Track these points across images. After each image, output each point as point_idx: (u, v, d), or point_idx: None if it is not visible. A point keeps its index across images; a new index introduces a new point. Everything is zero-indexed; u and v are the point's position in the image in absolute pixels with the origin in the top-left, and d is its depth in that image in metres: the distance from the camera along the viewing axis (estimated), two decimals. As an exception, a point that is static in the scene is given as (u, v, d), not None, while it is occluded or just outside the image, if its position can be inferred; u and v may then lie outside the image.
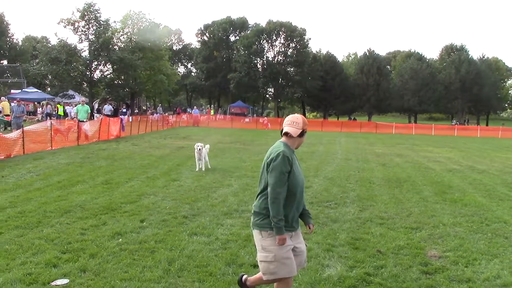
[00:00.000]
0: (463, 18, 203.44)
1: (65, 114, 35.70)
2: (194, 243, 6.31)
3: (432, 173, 14.49)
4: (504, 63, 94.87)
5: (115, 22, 57.83)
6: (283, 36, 74.58)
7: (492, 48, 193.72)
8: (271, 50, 76.38)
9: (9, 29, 69.11)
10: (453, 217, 8.40)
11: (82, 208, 8.09)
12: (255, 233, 4.01)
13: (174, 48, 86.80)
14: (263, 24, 78.23)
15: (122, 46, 56.41)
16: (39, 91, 48.48)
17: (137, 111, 65.44)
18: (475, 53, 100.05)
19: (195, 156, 13.32)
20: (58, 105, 39.43)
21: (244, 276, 4.60)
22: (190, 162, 14.71)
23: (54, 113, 36.26)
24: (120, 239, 6.34)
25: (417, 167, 16.09)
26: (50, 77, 55.43)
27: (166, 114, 54.57)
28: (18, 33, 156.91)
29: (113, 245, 6.08)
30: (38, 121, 31.48)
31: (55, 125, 19.02)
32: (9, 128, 22.71)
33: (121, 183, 10.71)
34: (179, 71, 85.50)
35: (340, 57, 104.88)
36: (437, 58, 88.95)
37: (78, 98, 46.98)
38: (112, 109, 34.13)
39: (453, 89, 72.15)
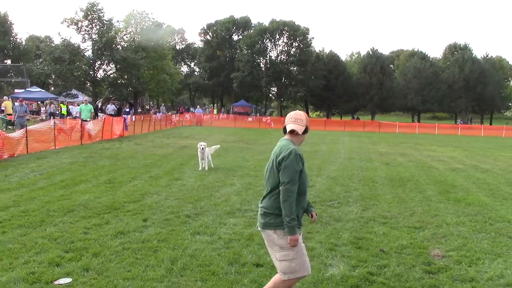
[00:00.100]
0: (466, 17, 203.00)
1: (68, 114, 35.77)
2: (197, 242, 6.31)
3: (436, 172, 14.46)
4: (508, 62, 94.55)
5: (118, 21, 58.03)
6: (286, 35, 74.51)
7: (496, 47, 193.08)
8: (274, 49, 76.37)
9: (13, 29, 69.36)
10: (457, 216, 8.38)
11: (85, 207, 8.10)
12: (269, 233, 3.89)
13: (177, 47, 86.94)
14: (266, 23, 78.23)
15: (125, 45, 56.49)
16: (43, 90, 48.55)
17: (140, 110, 65.57)
18: (478, 52, 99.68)
19: (198, 155, 13.32)
20: (61, 105, 39.50)
21: None
22: (193, 161, 14.72)
23: (57, 112, 36.32)
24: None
25: (420, 166, 16.06)
26: (53, 76, 55.58)
27: (169, 113, 54.60)
28: (21, 32, 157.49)
29: (116, 244, 6.08)
30: (42, 120, 31.55)
31: (59, 125, 19.05)
32: (11, 127, 22.77)
33: (124, 182, 10.73)
34: (182, 71, 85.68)
35: (343, 56, 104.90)
36: (440, 57, 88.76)
37: (82, 97, 47.06)
38: (115, 108, 34.15)
39: (457, 88, 71.96)
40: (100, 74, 56.99)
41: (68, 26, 53.47)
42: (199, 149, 13.19)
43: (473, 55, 76.94)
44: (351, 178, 12.62)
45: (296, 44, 74.41)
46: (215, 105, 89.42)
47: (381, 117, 76.83)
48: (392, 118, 76.24)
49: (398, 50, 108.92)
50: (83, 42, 54.18)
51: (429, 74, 73.03)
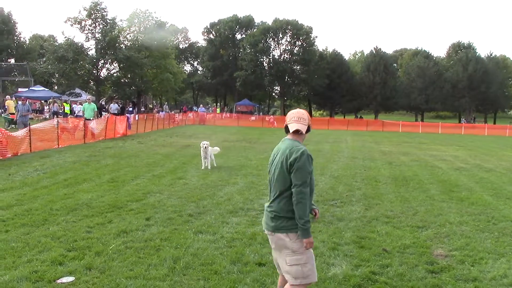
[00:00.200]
0: (470, 16, 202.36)
1: (72, 112, 35.81)
2: (199, 241, 6.31)
3: (439, 172, 14.42)
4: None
5: (121, 20, 58.08)
6: (289, 34, 74.44)
7: (500, 46, 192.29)
8: (277, 48, 76.30)
9: (16, 28, 69.55)
10: (460, 215, 8.36)
11: (88, 206, 8.12)
12: (280, 237, 3.77)
13: (181, 46, 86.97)
14: (269, 22, 78.09)
15: (128, 44, 56.56)
16: (46, 89, 48.67)
17: (143, 109, 65.63)
18: (482, 51, 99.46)
19: (201, 154, 13.34)
20: (64, 103, 39.57)
21: None
22: (196, 160, 14.73)
23: (60, 111, 36.38)
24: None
25: (423, 165, 16.02)
26: (57, 75, 55.68)
27: (172, 112, 54.65)
28: (25, 32, 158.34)
29: (119, 243, 6.09)
30: (45, 119, 31.62)
31: (62, 124, 19.09)
32: (13, 126, 22.83)
33: (127, 181, 10.74)
34: (185, 70, 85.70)
35: (347, 55, 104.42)
36: (444, 56, 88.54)
37: (85, 96, 47.13)
38: (119, 107, 34.14)
39: (461, 87, 71.71)
40: (104, 73, 57.12)
41: (72, 25, 53.60)
42: (202, 148, 13.21)
43: (477, 54, 76.67)
44: (354, 177, 12.60)
45: (299, 43, 74.33)
46: (218, 104, 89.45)
47: (384, 116, 76.71)
48: (396, 117, 76.13)
49: (401, 49, 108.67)
50: (86, 41, 54.33)
51: (433, 73, 72.84)
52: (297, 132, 3.80)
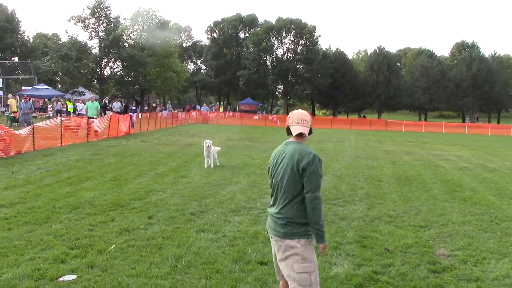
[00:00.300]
0: (474, 15, 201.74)
1: (75, 111, 35.90)
2: (201, 240, 6.32)
3: (442, 171, 14.39)
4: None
5: (125, 19, 58.20)
6: (292, 33, 74.29)
7: (504, 46, 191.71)
8: (280, 47, 76.19)
9: (20, 26, 69.69)
10: (463, 215, 8.34)
11: (90, 204, 8.13)
12: (291, 243, 3.62)
13: (184, 45, 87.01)
14: (272, 21, 78.05)
15: (132, 43, 56.65)
16: (50, 88, 48.82)
17: (146, 108, 65.71)
18: (486, 51, 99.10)
19: (204, 153, 13.34)
20: (67, 102, 39.68)
21: None
22: (198, 159, 14.74)
23: (64, 110, 36.48)
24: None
25: (426, 165, 15.99)
26: (60, 74, 55.90)
27: (176, 111, 54.70)
28: (29, 30, 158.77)
29: (121, 241, 6.10)
30: (49, 117, 31.72)
31: (65, 122, 19.14)
32: (15, 125, 22.90)
33: (130, 180, 10.76)
34: (188, 68, 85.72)
35: (350, 54, 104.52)
36: (448, 56, 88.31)
37: (88, 95, 47.26)
38: (122, 106, 34.25)
39: (464, 86, 71.50)
40: (107, 71, 57.29)
41: (75, 24, 53.77)
42: (204, 147, 13.21)
43: (481, 53, 76.36)
44: (357, 177, 12.59)
45: (303, 42, 74.18)
46: (221, 103, 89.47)
47: (387, 115, 76.59)
48: (399, 116, 75.99)
49: (405, 48, 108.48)
50: (90, 39, 54.48)
51: (436, 73, 72.63)
52: (300, 135, 3.69)
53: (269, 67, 75.40)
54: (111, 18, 54.05)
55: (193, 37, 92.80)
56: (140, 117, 32.63)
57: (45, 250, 5.68)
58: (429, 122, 57.79)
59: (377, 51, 78.28)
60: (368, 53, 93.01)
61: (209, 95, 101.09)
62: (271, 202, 3.86)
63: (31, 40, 73.55)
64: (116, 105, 33.09)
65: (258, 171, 12.73)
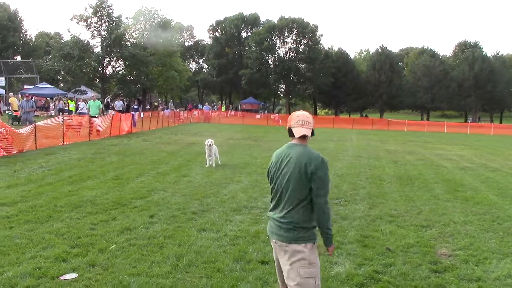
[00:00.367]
0: (477, 14, 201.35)
1: (76, 110, 35.97)
2: (202, 239, 6.32)
3: (444, 171, 14.37)
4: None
5: (127, 18, 58.17)
6: (295, 32, 74.23)
7: (506, 45, 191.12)
8: (282, 46, 76.13)
9: (23, 25, 69.98)
10: (464, 215, 8.32)
11: (92, 203, 8.14)
12: (297, 248, 3.54)
13: (186, 44, 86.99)
14: (275, 20, 78.02)
15: (134, 42, 56.67)
16: (52, 86, 48.92)
17: (148, 107, 65.76)
18: (489, 50, 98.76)
19: (205, 152, 13.34)
20: (69, 101, 39.72)
21: None
22: (200, 158, 14.74)
23: (66, 108, 36.54)
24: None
25: (428, 164, 15.96)
26: (62, 72, 55.92)
27: (178, 110, 54.71)
28: (31, 29, 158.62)
29: (122, 240, 6.11)
30: (51, 116, 31.76)
31: (67, 121, 19.16)
32: (17, 123, 22.93)
33: (132, 179, 10.77)
34: (190, 67, 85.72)
35: (352, 54, 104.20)
36: (450, 55, 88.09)
37: (90, 93, 47.31)
38: (124, 105, 34.26)
39: (467, 86, 71.35)
40: (109, 70, 57.25)
41: (78, 23, 53.75)
42: (206, 146, 13.21)
43: (484, 53, 76.16)
44: (359, 176, 12.58)
45: (305, 41, 74.11)
46: (223, 102, 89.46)
47: (390, 115, 76.51)
48: (401, 116, 75.93)
49: (407, 48, 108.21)
50: (92, 38, 54.47)
51: (439, 72, 72.49)
52: (303, 137, 3.63)
53: (271, 66, 75.37)
54: (113, 17, 54.05)
55: (195, 36, 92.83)
56: (142, 116, 32.67)
57: (47, 249, 5.69)
58: (431, 122, 57.69)
59: (379, 50, 78.20)
60: (370, 53, 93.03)
61: (211, 94, 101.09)
62: (272, 206, 3.76)
63: (33, 39, 73.75)
64: (118, 104, 33.07)
65: (259, 170, 12.72)
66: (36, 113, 24.65)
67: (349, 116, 76.53)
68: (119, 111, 29.65)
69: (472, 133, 44.92)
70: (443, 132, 45.19)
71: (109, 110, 35.22)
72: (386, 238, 6.72)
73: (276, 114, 58.72)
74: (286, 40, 75.56)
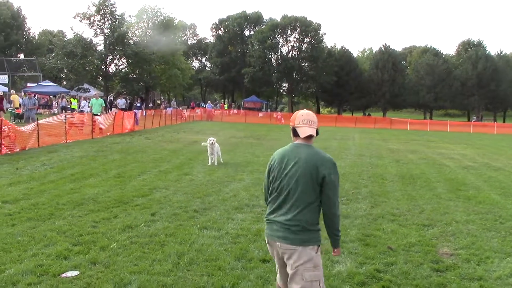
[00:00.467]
0: (480, 13, 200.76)
1: (78, 108, 36.00)
2: (204, 237, 6.32)
3: (446, 170, 14.33)
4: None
5: (130, 16, 58.24)
6: (297, 31, 74.23)
7: (510, 44, 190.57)
8: (285, 45, 76.16)
9: (26, 23, 70.12)
10: (467, 214, 8.30)
11: (94, 201, 8.15)
12: (306, 250, 3.47)
13: (189, 42, 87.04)
14: (278, 19, 78.03)
15: (137, 40, 56.72)
16: (55, 84, 48.99)
17: (151, 105, 65.81)
18: (492, 49, 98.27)
19: (208, 150, 13.34)
20: (71, 99, 39.77)
21: None
22: (202, 156, 14.74)
23: (68, 106, 36.58)
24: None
25: (431, 163, 15.93)
26: (65, 70, 56.03)
27: (180, 108, 54.76)
28: (34, 27, 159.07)
29: (124, 238, 6.11)
30: (54, 114, 31.80)
31: (70, 119, 19.19)
32: (18, 121, 22.98)
33: (134, 177, 10.77)
34: (193, 66, 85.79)
35: (355, 52, 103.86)
36: (453, 54, 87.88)
37: (93, 91, 47.36)
38: (126, 103, 34.26)
39: (470, 85, 71.21)
40: (112, 68, 57.39)
41: (81, 21, 53.90)
42: (208, 144, 13.21)
43: (487, 52, 76.03)
44: (361, 175, 12.56)
45: (308, 40, 74.08)
46: (226, 100, 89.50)
47: (392, 113, 76.38)
48: (404, 115, 75.78)
49: (410, 47, 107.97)
50: (95, 36, 54.61)
51: (442, 71, 72.38)
52: (309, 137, 3.57)
53: (274, 64, 75.39)
54: (116, 15, 54.15)
55: (198, 34, 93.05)
56: (145, 114, 32.69)
57: (48, 246, 5.70)
58: (434, 121, 57.56)
59: (382, 49, 78.14)
60: (373, 51, 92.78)
61: (214, 93, 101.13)
62: (274, 207, 3.63)
63: (36, 37, 73.92)
64: (121, 102, 33.07)
65: (262, 169, 12.71)
66: (39, 111, 24.70)
67: (352, 114, 76.46)
68: (122, 109, 29.65)
69: (475, 132, 44.82)
70: (446, 131, 45.08)
71: (112, 108, 35.23)
72: (387, 237, 6.71)
73: (279, 113, 58.71)
74: (289, 38, 75.62)
